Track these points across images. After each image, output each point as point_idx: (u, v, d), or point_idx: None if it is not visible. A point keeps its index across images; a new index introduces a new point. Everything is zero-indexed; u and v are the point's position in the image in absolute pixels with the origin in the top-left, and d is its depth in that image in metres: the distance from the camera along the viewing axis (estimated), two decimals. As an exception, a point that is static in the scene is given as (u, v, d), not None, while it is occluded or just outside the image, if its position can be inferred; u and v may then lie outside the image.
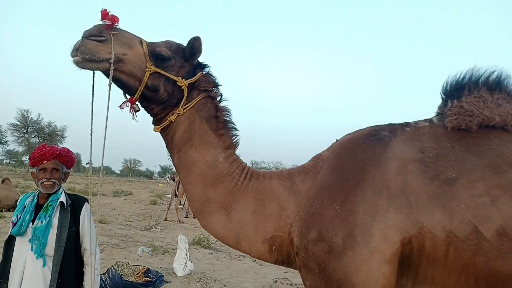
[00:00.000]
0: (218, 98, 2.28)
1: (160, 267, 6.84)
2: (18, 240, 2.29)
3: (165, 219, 14.31)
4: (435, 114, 2.19)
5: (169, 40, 2.25)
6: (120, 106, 2.16)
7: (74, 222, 2.41)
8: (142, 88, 2.07)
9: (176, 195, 15.28)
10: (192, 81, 2.18)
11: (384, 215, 1.82)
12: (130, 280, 5.54)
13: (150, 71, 2.06)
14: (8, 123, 45.59)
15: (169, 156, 2.38)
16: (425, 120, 2.16)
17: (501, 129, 1.98)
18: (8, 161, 76.22)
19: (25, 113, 45.64)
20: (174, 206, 15.07)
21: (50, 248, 2.29)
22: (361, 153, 2.04)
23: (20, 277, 2.22)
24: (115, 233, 10.49)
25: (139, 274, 5.78)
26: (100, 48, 1.95)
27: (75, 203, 2.48)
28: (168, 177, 51.71)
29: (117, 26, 2.03)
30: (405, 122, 2.18)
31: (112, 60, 1.94)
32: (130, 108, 2.15)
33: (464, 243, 1.74)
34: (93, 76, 2.06)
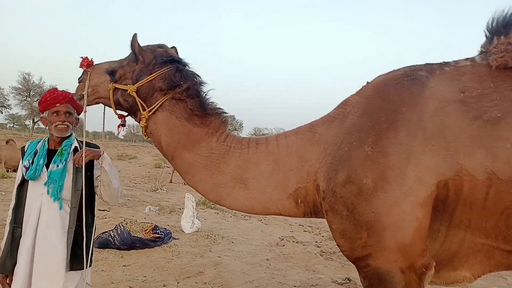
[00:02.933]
0: (189, 94, 2.20)
1: (168, 225, 6.88)
2: (31, 184, 2.23)
3: (170, 181, 14.43)
4: (478, 53, 2.01)
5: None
6: (118, 126, 2.43)
7: (89, 167, 2.33)
8: (112, 105, 2.30)
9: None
10: (142, 84, 2.19)
11: (419, 158, 1.72)
12: (138, 236, 5.57)
13: (111, 88, 2.26)
14: (10, 86, 45.29)
15: None
16: (467, 59, 2.00)
17: None
18: (11, 125, 76.43)
19: (26, 76, 45.24)
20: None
21: (66, 192, 2.25)
22: (395, 95, 1.91)
23: (36, 220, 2.19)
24: (123, 194, 10.57)
25: (147, 231, 5.81)
26: (80, 87, 2.35)
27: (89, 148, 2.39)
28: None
29: (95, 64, 2.36)
30: (444, 62, 2.01)
31: (85, 92, 2.26)
32: (118, 127, 2.43)
33: (507, 185, 1.65)
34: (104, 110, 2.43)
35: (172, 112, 2.17)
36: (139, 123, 2.26)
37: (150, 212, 8.03)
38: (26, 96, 45.26)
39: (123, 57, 2.35)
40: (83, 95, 2.27)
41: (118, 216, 7.29)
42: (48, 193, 2.21)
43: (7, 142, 12.54)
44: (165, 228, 6.15)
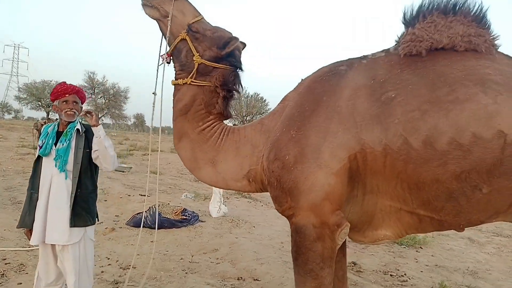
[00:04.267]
0: (225, 95, 2.57)
1: (199, 210, 7.49)
2: (44, 159, 2.77)
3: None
4: (394, 44, 2.30)
5: (220, 27, 2.64)
6: (161, 55, 2.64)
7: (88, 144, 2.85)
8: (172, 45, 2.55)
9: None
10: (207, 64, 2.50)
11: (333, 136, 2.05)
12: (168, 217, 6.21)
13: (182, 36, 2.51)
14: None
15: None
16: (383, 50, 2.30)
17: (451, 50, 2.10)
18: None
19: (91, 75, 48.72)
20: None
21: (70, 165, 2.76)
22: (319, 88, 2.25)
23: (49, 186, 2.72)
24: (166, 182, 11.41)
25: (176, 213, 6.44)
26: (162, 1, 2.51)
27: (89, 131, 2.91)
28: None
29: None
30: (363, 55, 2.33)
31: (170, 16, 2.48)
32: (165, 57, 2.63)
33: (397, 154, 1.94)
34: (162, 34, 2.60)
35: (203, 93, 2.54)
36: (178, 74, 2.59)
37: (186, 199, 8.71)
38: (91, 93, 48.80)
39: (210, 22, 2.64)
40: (158, 7, 2.50)
41: (159, 201, 8.05)
42: (56, 166, 2.73)
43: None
44: (193, 212, 6.75)
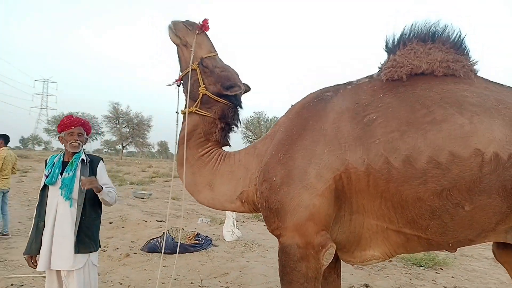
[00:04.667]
0: (222, 127, 2.73)
1: (214, 234, 7.54)
2: (50, 188, 2.91)
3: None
4: (377, 70, 2.39)
5: (228, 66, 2.84)
6: (176, 81, 2.84)
7: (93, 174, 3.00)
8: (183, 71, 2.75)
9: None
10: (210, 96, 2.67)
11: (319, 158, 2.12)
12: (181, 242, 6.28)
13: (192, 67, 2.70)
14: (102, 115, 50.74)
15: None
16: (367, 76, 2.40)
17: (431, 75, 2.18)
18: (106, 150, 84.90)
19: (115, 105, 50.41)
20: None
21: (75, 193, 2.89)
22: (306, 113, 2.36)
23: (54, 215, 2.85)
24: (184, 208, 11.55)
25: (190, 238, 6.50)
26: (183, 31, 2.73)
27: (93, 161, 3.06)
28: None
29: (206, 32, 2.80)
30: (349, 82, 2.44)
31: (193, 46, 2.69)
32: (176, 81, 2.83)
33: (379, 173, 2.00)
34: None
35: (203, 123, 2.70)
36: (186, 103, 2.79)
37: (201, 223, 8.79)
38: (116, 123, 50.42)
39: (220, 58, 2.84)
40: (179, 36, 2.73)
41: (173, 225, 8.15)
42: (61, 194, 2.87)
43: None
44: (206, 236, 6.80)
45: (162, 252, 3.76)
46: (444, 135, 1.95)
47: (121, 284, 4.76)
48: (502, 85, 2.26)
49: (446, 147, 1.93)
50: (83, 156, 3.00)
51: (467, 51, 2.28)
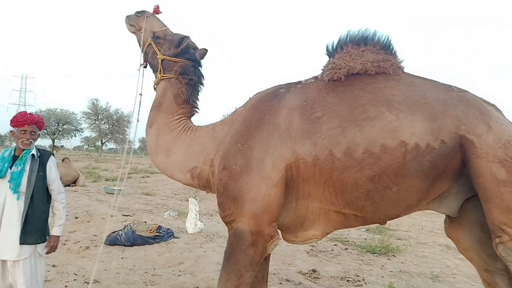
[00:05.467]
0: (187, 82, 2.98)
1: (178, 227, 7.70)
2: (0, 182, 3.00)
3: (207, 192, 15.38)
4: (321, 71, 2.69)
5: (178, 33, 3.13)
6: (140, 64, 3.17)
7: (42, 168, 3.12)
8: (143, 52, 3.11)
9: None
10: (168, 59, 2.99)
11: (274, 149, 2.37)
12: (141, 234, 6.43)
13: (148, 42, 3.06)
14: (81, 112, 50.09)
15: None
16: (313, 77, 2.70)
17: (365, 74, 2.49)
18: (86, 147, 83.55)
19: (95, 101, 49.82)
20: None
21: (23, 187, 3.01)
22: (262, 106, 2.61)
23: (2, 206, 2.97)
24: (155, 202, 11.67)
25: (151, 230, 6.65)
26: (135, 18, 3.13)
27: (44, 156, 3.18)
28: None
29: (156, 15, 3.16)
30: (299, 81, 2.72)
31: (144, 26, 3.07)
32: (140, 65, 3.16)
33: (324, 163, 2.30)
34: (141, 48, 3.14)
35: (171, 85, 2.98)
36: (155, 77, 3.09)
37: (168, 217, 8.93)
38: (95, 119, 49.88)
39: (171, 29, 3.16)
40: (132, 24, 3.12)
41: (140, 219, 8.27)
42: (10, 187, 2.99)
43: (62, 160, 14.33)
44: (168, 229, 6.96)
45: (102, 245, 3.89)
46: (377, 130, 2.28)
47: (75, 275, 4.89)
48: (425, 78, 2.57)
49: (378, 140, 2.27)
50: (33, 151, 3.11)
51: (394, 51, 2.60)
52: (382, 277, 5.37)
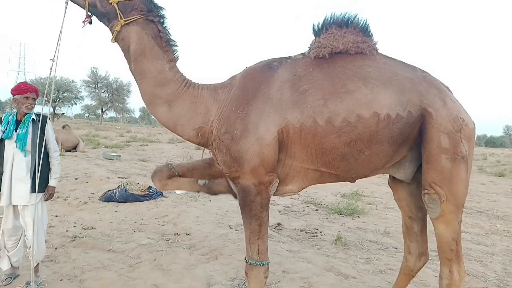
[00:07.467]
0: (158, 20, 2.91)
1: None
2: (6, 142, 3.66)
3: (205, 149, 16.21)
4: (308, 48, 3.02)
5: None
6: (82, 21, 2.93)
7: (42, 130, 3.79)
8: (86, 5, 2.87)
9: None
10: (123, 0, 2.81)
11: (267, 116, 2.70)
12: (134, 193, 7.27)
13: None
14: (81, 80, 50.30)
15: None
16: (301, 53, 3.02)
17: (346, 53, 2.86)
18: (87, 115, 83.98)
19: (94, 70, 49.93)
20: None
21: (28, 146, 3.66)
22: (258, 77, 2.88)
23: (11, 163, 3.64)
24: (150, 168, 12.44)
25: (143, 190, 7.49)
26: None
27: (42, 120, 3.86)
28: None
29: None
30: (289, 56, 3.04)
31: None
32: (84, 22, 2.93)
33: (308, 129, 2.67)
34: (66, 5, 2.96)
35: (143, 28, 2.85)
36: (110, 28, 2.88)
37: (160, 180, 9.75)
38: (95, 88, 50.11)
39: None
40: None
41: (134, 181, 9.12)
42: (17, 147, 3.65)
43: (63, 127, 15.08)
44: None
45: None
46: (354, 102, 2.65)
47: (75, 223, 5.75)
48: (396, 59, 3.01)
49: (355, 111, 2.63)
50: (33, 116, 3.77)
51: (371, 34, 3.00)
52: (339, 231, 6.19)
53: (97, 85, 50.11)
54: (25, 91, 3.76)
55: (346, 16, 2.93)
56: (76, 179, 9.00)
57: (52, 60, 3.14)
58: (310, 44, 3.02)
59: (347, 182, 3.03)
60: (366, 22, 2.96)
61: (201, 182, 3.28)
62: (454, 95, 2.98)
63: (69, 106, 56.37)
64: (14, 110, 3.88)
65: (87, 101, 53.76)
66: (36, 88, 3.89)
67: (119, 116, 70.73)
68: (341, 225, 6.74)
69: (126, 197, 7.10)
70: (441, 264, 2.86)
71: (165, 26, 2.96)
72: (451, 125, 2.71)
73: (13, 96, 3.80)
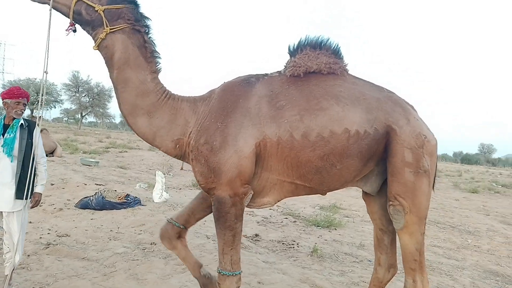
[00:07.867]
0: (145, 31, 2.95)
1: (146, 197, 8.48)
2: None
3: (181, 169, 16.12)
4: (284, 67, 3.18)
5: None
6: (66, 29, 2.91)
7: (30, 136, 3.71)
8: (71, 13, 2.85)
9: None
10: (110, 8, 2.83)
11: (246, 129, 2.79)
12: (111, 200, 7.19)
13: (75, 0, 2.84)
14: (61, 83, 49.44)
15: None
16: (277, 71, 3.18)
17: (319, 73, 3.03)
18: (66, 119, 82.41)
19: (75, 73, 49.21)
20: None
21: (15, 151, 3.55)
22: (237, 91, 2.98)
23: None
24: (129, 175, 12.36)
25: (120, 197, 7.41)
26: None
27: (30, 125, 3.75)
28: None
29: None
30: (265, 73, 3.18)
31: None
32: (68, 30, 2.90)
33: (285, 143, 2.78)
34: (50, 14, 2.92)
35: (129, 37, 2.87)
36: (94, 35, 2.87)
37: (139, 188, 9.69)
38: (75, 92, 49.35)
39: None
40: None
41: (112, 189, 9.01)
42: (3, 151, 3.55)
43: (41, 131, 14.75)
44: (136, 197, 7.74)
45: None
46: (327, 119, 2.80)
47: (49, 230, 5.65)
48: (364, 80, 3.21)
49: (328, 127, 2.79)
50: (22, 121, 3.68)
51: (342, 56, 3.19)
52: (315, 243, 6.27)
53: (78, 89, 49.38)
54: (17, 96, 3.65)
55: (319, 39, 3.12)
56: (52, 184, 8.83)
57: (45, 72, 3.12)
58: (286, 63, 3.18)
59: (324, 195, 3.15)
60: (337, 45, 3.16)
61: (203, 272, 3.38)
62: (418, 114, 3.17)
63: (47, 109, 55.15)
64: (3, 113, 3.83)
65: (67, 104, 52.84)
66: (27, 94, 3.80)
67: (99, 121, 69.71)
68: (318, 237, 6.83)
69: (103, 205, 7.01)
70: (406, 274, 2.98)
71: (150, 37, 3.00)
72: (414, 141, 2.88)
73: (3, 99, 3.68)
